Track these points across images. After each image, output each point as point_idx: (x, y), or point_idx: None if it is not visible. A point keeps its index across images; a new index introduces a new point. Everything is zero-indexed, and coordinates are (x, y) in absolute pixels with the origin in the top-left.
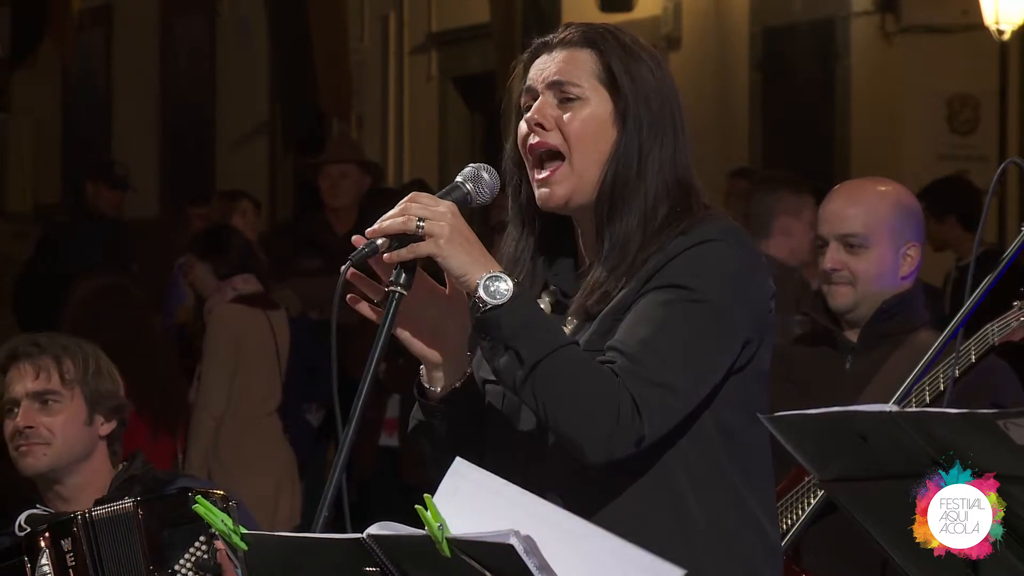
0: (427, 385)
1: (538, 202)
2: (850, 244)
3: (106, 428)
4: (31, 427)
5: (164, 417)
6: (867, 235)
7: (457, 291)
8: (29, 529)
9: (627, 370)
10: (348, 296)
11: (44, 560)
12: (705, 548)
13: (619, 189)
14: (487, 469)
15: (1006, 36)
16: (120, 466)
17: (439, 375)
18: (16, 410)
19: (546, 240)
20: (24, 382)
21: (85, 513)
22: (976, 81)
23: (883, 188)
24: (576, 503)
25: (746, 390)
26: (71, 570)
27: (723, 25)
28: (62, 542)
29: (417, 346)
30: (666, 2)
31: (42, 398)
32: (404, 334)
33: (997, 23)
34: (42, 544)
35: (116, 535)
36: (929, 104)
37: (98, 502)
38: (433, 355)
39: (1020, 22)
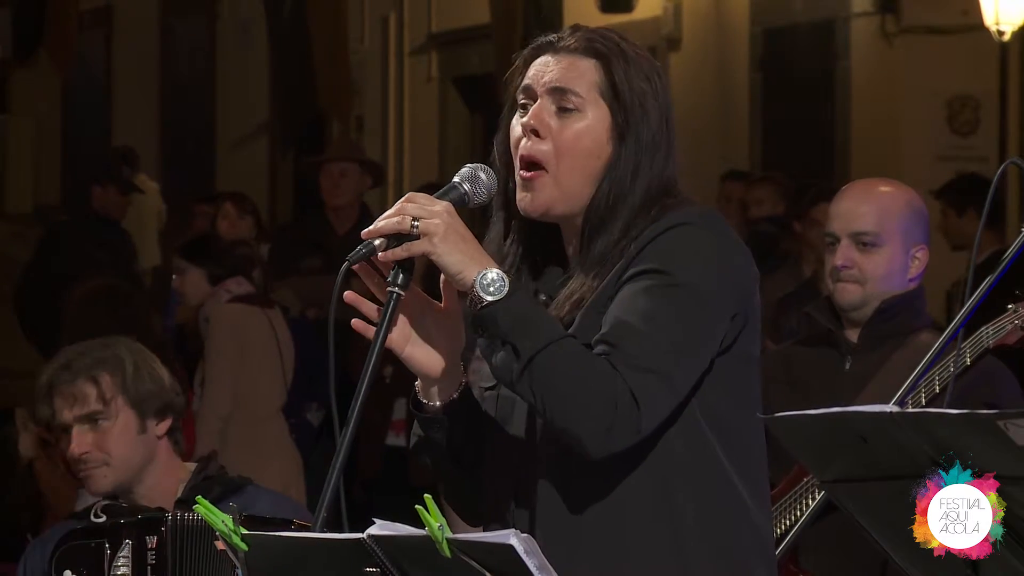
0: (423, 399)
1: (519, 207)
2: (862, 242)
3: (162, 428)
4: (86, 452)
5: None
6: (880, 233)
7: (452, 305)
8: (105, 518)
9: (618, 360)
10: (346, 292)
11: (125, 552)
12: (695, 542)
13: (612, 206)
14: (485, 475)
15: (1006, 37)
16: (194, 464)
17: (435, 389)
18: (67, 437)
19: (533, 242)
20: (68, 409)
21: (178, 514)
22: (976, 82)
23: (894, 189)
24: (566, 501)
25: (732, 372)
26: (149, 568)
27: (723, 26)
28: (147, 538)
29: (414, 361)
30: (666, 3)
31: (90, 419)
32: (401, 350)
33: (997, 24)
34: (125, 536)
35: (209, 544)
36: (929, 105)
37: (179, 501)
38: (430, 369)
39: (1020, 23)
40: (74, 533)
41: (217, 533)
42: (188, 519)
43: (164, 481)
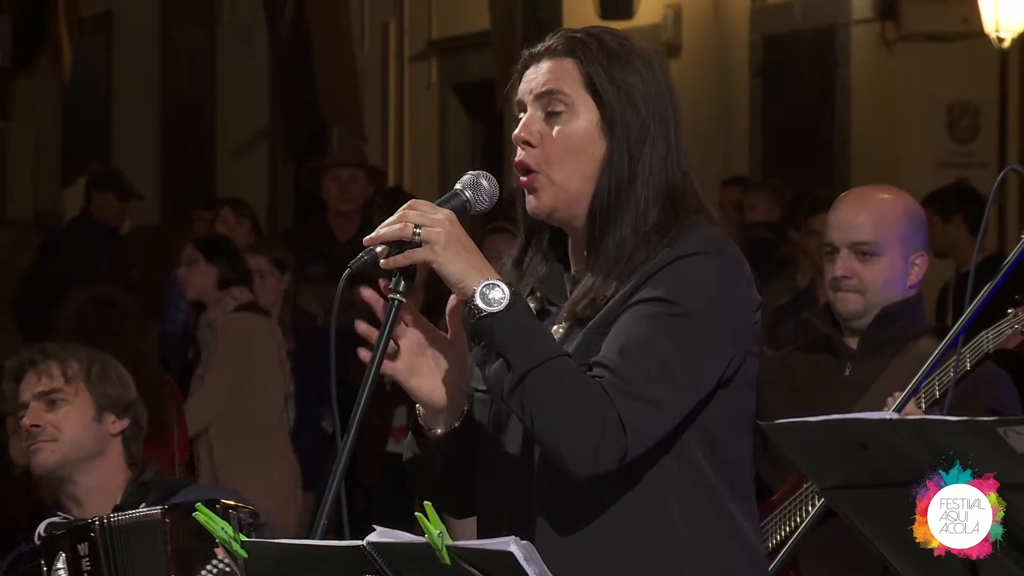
0: (424, 424)
1: (528, 210)
2: (861, 252)
3: (118, 426)
4: (37, 425)
5: (153, 428)
6: (878, 243)
7: (458, 335)
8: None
9: (612, 385)
10: (365, 292)
11: (60, 564)
12: (690, 562)
13: (613, 199)
14: (479, 483)
15: (1006, 44)
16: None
17: (438, 418)
18: (25, 412)
19: (550, 248)
20: (30, 387)
21: (104, 519)
22: (976, 88)
23: (892, 196)
24: (561, 518)
25: (732, 402)
26: (86, 574)
27: (723, 32)
28: (79, 547)
29: (420, 393)
30: (666, 9)
31: (48, 398)
32: (406, 381)
33: (997, 31)
34: (59, 548)
35: (139, 542)
36: (929, 111)
37: (116, 509)
38: (434, 400)
39: (1020, 30)
40: (17, 559)
41: (216, 539)
42: (115, 520)
43: (108, 482)
